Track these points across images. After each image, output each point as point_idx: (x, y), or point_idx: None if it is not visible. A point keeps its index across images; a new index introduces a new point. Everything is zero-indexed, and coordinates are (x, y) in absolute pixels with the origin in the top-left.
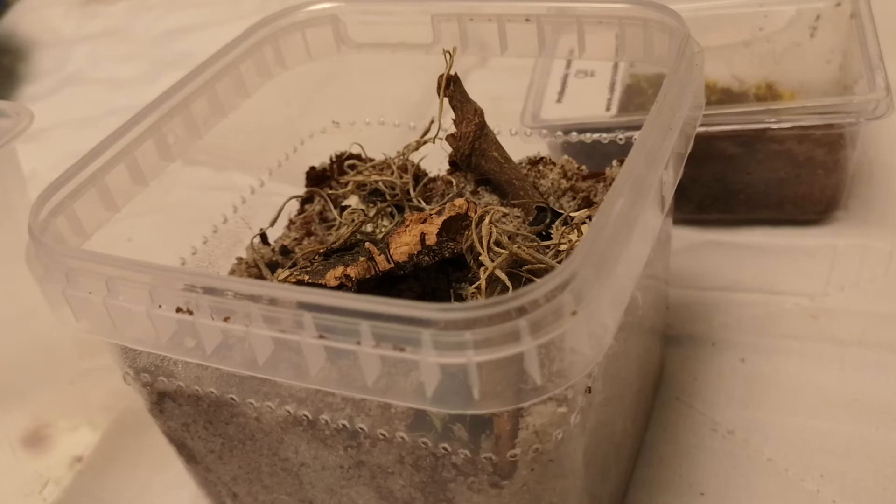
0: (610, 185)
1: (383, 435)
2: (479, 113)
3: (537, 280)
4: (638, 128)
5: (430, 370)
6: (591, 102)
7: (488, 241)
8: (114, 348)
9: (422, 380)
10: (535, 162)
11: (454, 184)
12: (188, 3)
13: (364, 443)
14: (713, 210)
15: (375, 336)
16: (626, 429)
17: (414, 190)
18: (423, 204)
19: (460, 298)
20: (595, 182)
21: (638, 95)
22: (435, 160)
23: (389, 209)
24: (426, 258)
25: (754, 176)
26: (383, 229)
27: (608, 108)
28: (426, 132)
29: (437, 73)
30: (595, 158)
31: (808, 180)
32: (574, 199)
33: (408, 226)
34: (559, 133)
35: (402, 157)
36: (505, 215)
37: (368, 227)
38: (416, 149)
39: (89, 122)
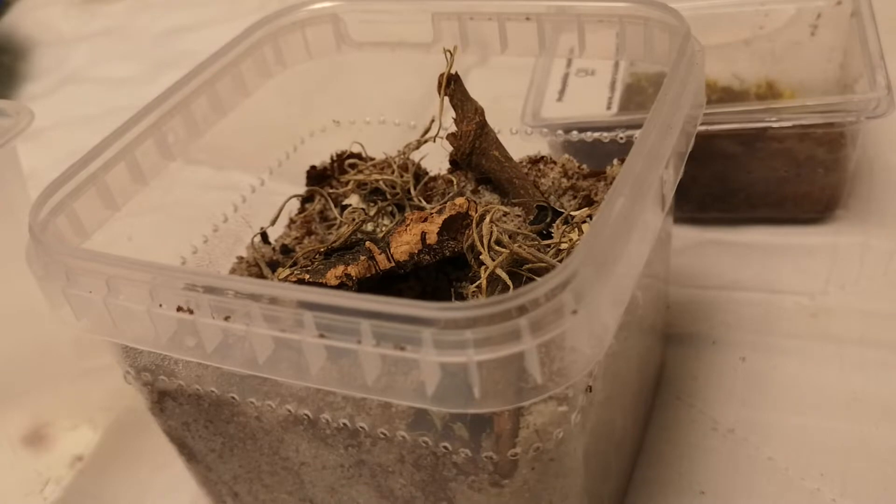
0: (610, 183)
1: (384, 434)
2: (479, 112)
3: (538, 279)
4: (638, 126)
5: (431, 369)
6: (591, 101)
7: (489, 240)
8: (114, 347)
9: (422, 379)
10: (535, 161)
11: (455, 183)
12: (188, 2)
13: (364, 442)
14: (713, 209)
15: (376, 335)
16: (627, 428)
17: (414, 189)
18: (424, 203)
19: (461, 297)
20: (596, 181)
21: (638, 94)
22: (435, 159)
23: (390, 208)
24: (427, 257)
25: (755, 175)
26: (384, 228)
27: (609, 107)
28: (427, 131)
29: (438, 71)
30: (596, 157)
31: (809, 179)
32: (575, 197)
33: (408, 225)
34: (560, 132)
35: (402, 156)
36: (506, 214)
37: (369, 226)
38: (417, 148)
39: (89, 122)
